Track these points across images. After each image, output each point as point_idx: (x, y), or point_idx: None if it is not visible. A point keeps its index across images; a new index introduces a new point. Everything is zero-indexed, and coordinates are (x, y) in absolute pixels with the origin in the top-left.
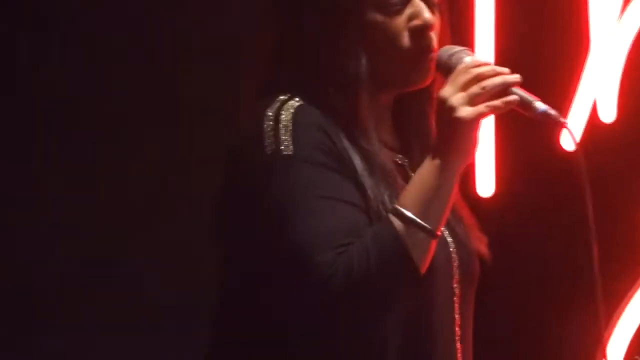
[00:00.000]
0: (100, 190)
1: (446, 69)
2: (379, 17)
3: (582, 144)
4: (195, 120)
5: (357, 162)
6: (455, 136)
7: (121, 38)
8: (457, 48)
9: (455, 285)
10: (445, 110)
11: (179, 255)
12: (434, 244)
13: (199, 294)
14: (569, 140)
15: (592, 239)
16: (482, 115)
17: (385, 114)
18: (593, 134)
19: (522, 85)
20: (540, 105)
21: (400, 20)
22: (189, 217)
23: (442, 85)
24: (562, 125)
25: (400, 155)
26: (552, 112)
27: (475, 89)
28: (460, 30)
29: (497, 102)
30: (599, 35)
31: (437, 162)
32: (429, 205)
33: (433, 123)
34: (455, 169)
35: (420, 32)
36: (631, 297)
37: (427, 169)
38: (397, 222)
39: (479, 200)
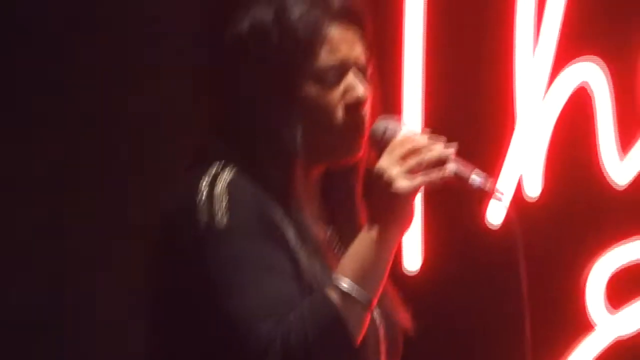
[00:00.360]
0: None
1: (381, 143)
2: (314, 90)
3: (507, 219)
4: (130, 180)
5: (290, 234)
6: (392, 208)
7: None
8: (392, 121)
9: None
10: (383, 182)
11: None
12: (368, 316)
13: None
14: (500, 213)
15: (525, 311)
16: (419, 188)
17: (315, 187)
18: (518, 209)
19: None
20: (476, 178)
21: (336, 94)
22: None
23: (368, 159)
24: (498, 199)
25: (331, 228)
26: (488, 186)
27: (411, 161)
28: (388, 97)
29: (433, 175)
30: (525, 112)
31: (374, 234)
32: (365, 277)
33: (359, 197)
34: (393, 240)
35: (354, 107)
36: None
37: (364, 240)
38: (333, 294)
39: (405, 276)
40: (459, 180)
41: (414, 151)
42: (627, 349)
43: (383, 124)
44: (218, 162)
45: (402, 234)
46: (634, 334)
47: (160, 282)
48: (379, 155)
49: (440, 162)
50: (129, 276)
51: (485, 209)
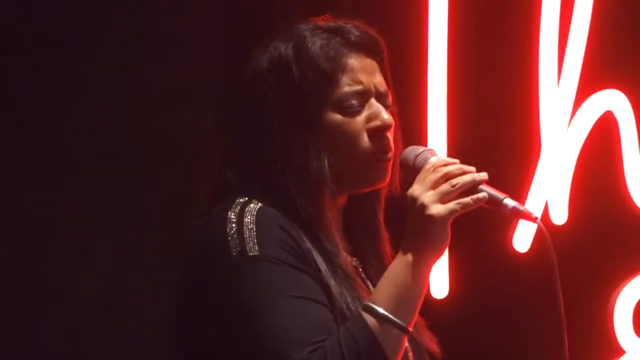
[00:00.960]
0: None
1: (413, 169)
2: (339, 118)
3: (535, 245)
4: (152, 224)
5: (320, 262)
6: (427, 233)
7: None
8: (422, 148)
9: None
10: (417, 208)
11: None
12: (405, 340)
13: None
14: (528, 238)
15: (563, 331)
16: (454, 212)
17: (339, 215)
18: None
19: None
20: (510, 201)
21: (359, 121)
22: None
23: (390, 186)
24: (534, 220)
25: (355, 258)
26: (522, 208)
27: (445, 187)
28: (412, 127)
29: (467, 200)
30: (550, 140)
31: (409, 258)
32: (402, 301)
33: (382, 224)
34: (428, 265)
35: (379, 133)
36: None
37: (399, 265)
38: (370, 319)
39: (432, 303)
40: (492, 205)
41: (446, 177)
42: None
43: (414, 150)
44: (241, 196)
45: (437, 259)
46: None
47: (192, 312)
48: (411, 180)
49: (473, 188)
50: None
51: (512, 234)
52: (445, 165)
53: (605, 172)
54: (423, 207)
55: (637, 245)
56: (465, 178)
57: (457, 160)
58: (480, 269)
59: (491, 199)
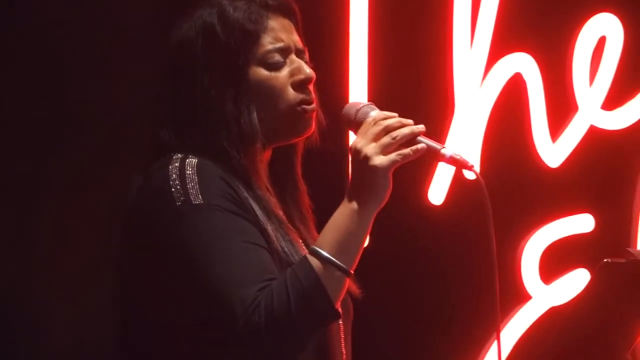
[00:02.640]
0: None
1: (354, 123)
2: (265, 73)
3: (449, 198)
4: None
5: (257, 209)
6: (371, 183)
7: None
8: (362, 103)
9: (340, 322)
10: (360, 159)
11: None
12: (347, 282)
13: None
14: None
15: (495, 272)
16: (395, 163)
17: (266, 167)
18: (458, 189)
19: None
20: (447, 151)
21: (283, 75)
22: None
23: (313, 137)
24: (470, 167)
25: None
26: (459, 156)
27: (386, 139)
28: (335, 86)
29: (407, 151)
30: (463, 100)
31: (353, 206)
32: (344, 246)
33: (300, 176)
34: (372, 213)
35: (302, 85)
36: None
37: (344, 212)
38: (315, 261)
39: None
40: (431, 154)
41: (386, 130)
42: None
43: (355, 106)
44: (178, 151)
45: (379, 207)
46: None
47: (138, 266)
48: (355, 132)
49: (412, 139)
50: (97, 261)
51: (427, 188)
52: (385, 118)
53: (514, 129)
54: (366, 158)
55: (544, 197)
56: (405, 130)
57: (396, 114)
58: (397, 222)
59: (429, 150)
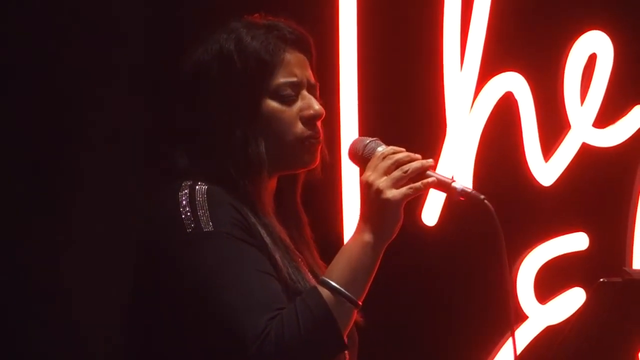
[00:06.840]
0: None
1: (362, 158)
2: (276, 106)
3: (442, 219)
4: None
5: (265, 236)
6: (383, 216)
7: None
8: (369, 139)
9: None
10: (372, 192)
11: None
12: (355, 313)
13: None
14: (436, 213)
15: (510, 296)
16: (407, 196)
17: (272, 196)
18: (451, 209)
19: None
20: (457, 184)
21: (294, 109)
22: None
23: (316, 170)
24: (481, 201)
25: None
26: (469, 189)
27: (397, 173)
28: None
29: (418, 184)
30: (454, 121)
31: (365, 239)
32: (354, 277)
33: (301, 207)
34: (382, 246)
35: (311, 121)
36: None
37: (355, 244)
38: (325, 292)
39: None
40: (442, 187)
41: (397, 164)
42: (557, 334)
43: (362, 141)
44: (187, 178)
45: (389, 240)
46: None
47: (150, 292)
48: (362, 168)
49: (422, 173)
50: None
51: (421, 209)
52: (395, 153)
53: (506, 148)
54: (379, 191)
55: (537, 217)
56: (415, 164)
57: (404, 149)
58: (391, 244)
59: (440, 183)
